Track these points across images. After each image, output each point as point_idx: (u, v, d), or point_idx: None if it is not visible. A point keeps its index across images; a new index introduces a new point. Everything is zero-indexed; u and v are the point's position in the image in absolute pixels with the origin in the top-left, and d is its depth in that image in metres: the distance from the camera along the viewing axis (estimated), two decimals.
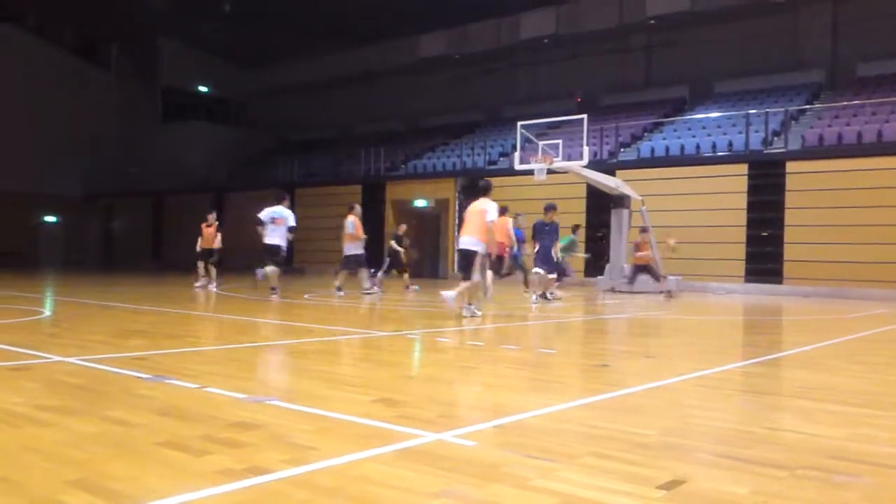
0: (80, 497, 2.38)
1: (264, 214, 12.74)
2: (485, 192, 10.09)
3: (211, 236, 16.14)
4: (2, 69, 32.79)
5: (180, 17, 34.55)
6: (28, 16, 36.02)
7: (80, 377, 4.68)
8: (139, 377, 4.64)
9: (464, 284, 9.60)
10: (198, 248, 16.11)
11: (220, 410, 3.76)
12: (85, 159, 36.53)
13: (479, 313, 9.82)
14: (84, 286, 16.33)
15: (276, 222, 12.73)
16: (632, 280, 16.74)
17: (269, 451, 2.99)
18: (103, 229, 39.22)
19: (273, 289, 12.65)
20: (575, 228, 16.95)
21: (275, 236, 12.72)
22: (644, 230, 16.53)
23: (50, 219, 37.72)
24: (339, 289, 14.07)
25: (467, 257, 9.78)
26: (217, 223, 16.38)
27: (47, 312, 9.65)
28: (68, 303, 11.49)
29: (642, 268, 16.27)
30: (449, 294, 9.59)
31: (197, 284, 15.42)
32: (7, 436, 3.18)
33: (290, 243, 13.40)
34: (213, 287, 15.16)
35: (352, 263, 14.38)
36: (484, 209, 9.69)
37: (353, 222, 14.13)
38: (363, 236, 14.35)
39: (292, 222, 13.03)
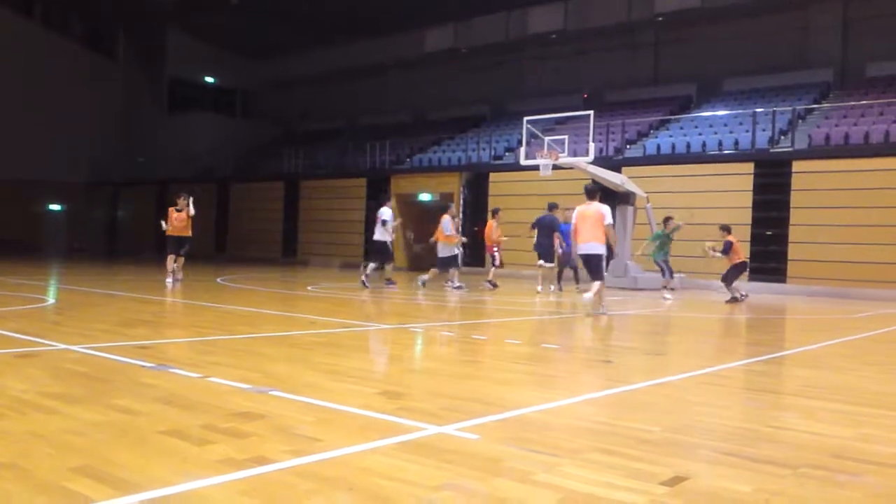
0: (85, 483, 2.39)
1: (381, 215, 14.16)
2: (595, 195, 10.33)
3: (182, 224, 13.95)
4: (8, 57, 32.80)
5: (188, 7, 34.50)
6: (35, 5, 36.00)
7: (84, 365, 4.70)
8: (143, 366, 4.65)
9: (596, 286, 9.85)
10: (167, 234, 14.01)
11: (223, 400, 3.77)
12: (91, 147, 36.57)
13: (609, 313, 10.14)
14: (88, 274, 16.36)
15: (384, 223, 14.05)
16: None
17: (273, 442, 2.99)
18: (108, 217, 39.28)
19: (389, 281, 14.01)
20: (666, 221, 15.64)
21: (382, 234, 14.01)
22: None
23: (54, 206, 37.79)
24: (423, 284, 14.11)
25: (592, 261, 10.00)
26: (189, 208, 14.06)
27: (51, 300, 9.67)
28: (72, 291, 11.52)
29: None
30: (588, 296, 9.94)
31: (169, 280, 13.24)
32: (13, 422, 3.19)
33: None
34: (170, 280, 13.21)
35: (446, 264, 14.30)
36: (602, 212, 9.95)
37: (449, 222, 14.10)
38: (459, 237, 14.49)
39: (384, 217, 14.13)
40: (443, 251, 14.21)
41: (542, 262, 14.25)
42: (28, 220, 35.38)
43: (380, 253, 14.20)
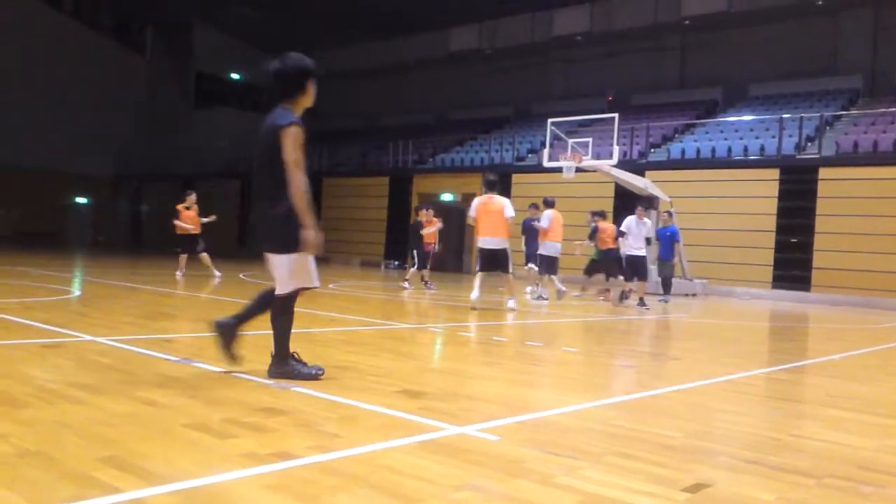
0: (112, 474, 2.42)
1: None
2: (495, 187, 10.30)
3: (192, 220, 13.96)
4: (38, 50, 33.27)
5: (215, 3, 34.79)
6: None
7: (110, 357, 4.76)
8: (167, 359, 4.71)
9: (509, 279, 10.19)
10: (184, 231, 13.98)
11: (246, 395, 3.80)
12: (117, 141, 36.98)
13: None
14: (113, 267, 16.55)
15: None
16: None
17: (295, 437, 3.02)
18: (132, 211, 39.70)
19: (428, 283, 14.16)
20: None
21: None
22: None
23: (80, 199, 38.26)
24: (541, 297, 13.05)
25: (499, 255, 10.07)
26: (196, 205, 14.14)
27: (77, 292, 9.80)
28: (98, 283, 11.66)
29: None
30: (512, 304, 10.24)
31: (179, 273, 13.38)
32: (42, 411, 3.25)
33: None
34: (216, 276, 13.47)
35: (545, 264, 12.88)
36: (503, 205, 9.94)
37: (550, 216, 12.72)
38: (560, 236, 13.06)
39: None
40: (546, 248, 12.96)
41: (531, 265, 13.58)
42: (54, 212, 35.86)
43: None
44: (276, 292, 4.30)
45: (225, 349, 4.30)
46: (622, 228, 12.09)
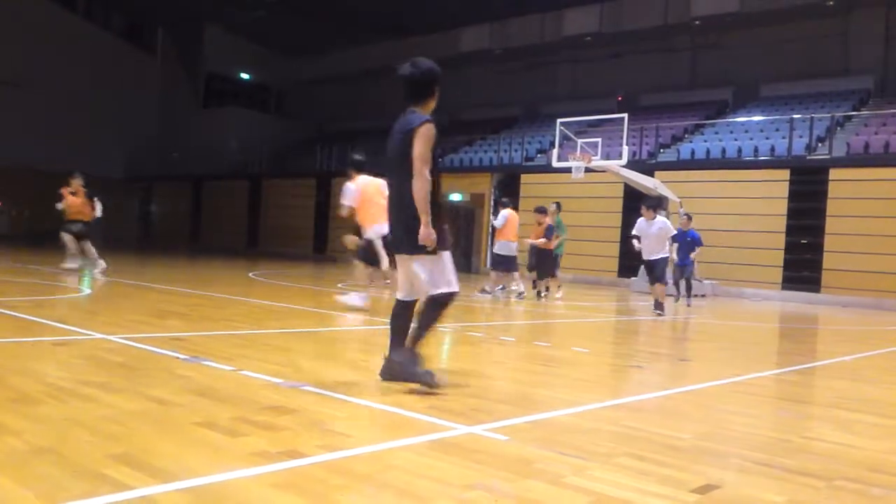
0: (123, 471, 2.43)
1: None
2: (363, 166, 9.06)
3: (80, 206, 13.12)
4: (50, 50, 33.46)
5: (225, 4, 34.92)
6: (78, 0, 36.69)
7: (120, 355, 4.78)
8: (177, 357, 4.73)
9: (385, 266, 8.97)
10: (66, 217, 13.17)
11: (255, 394, 3.81)
12: (127, 141, 37.17)
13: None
14: (123, 266, 16.62)
15: None
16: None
17: (304, 436, 3.03)
18: (142, 211, 39.87)
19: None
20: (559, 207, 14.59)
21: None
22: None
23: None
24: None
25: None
26: (85, 190, 13.25)
27: (87, 290, 9.85)
28: (107, 282, 11.71)
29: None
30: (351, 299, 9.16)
31: (66, 266, 12.68)
32: (53, 409, 3.27)
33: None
34: (99, 267, 12.46)
35: (501, 263, 12.95)
36: (381, 188, 8.56)
37: (506, 216, 12.91)
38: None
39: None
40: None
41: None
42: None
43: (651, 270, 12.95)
44: (431, 293, 4.19)
45: (414, 377, 4.12)
46: (634, 232, 11.47)
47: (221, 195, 35.05)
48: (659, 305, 10.98)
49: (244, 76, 40.43)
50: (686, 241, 13.91)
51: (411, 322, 4.30)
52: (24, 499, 2.17)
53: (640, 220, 11.01)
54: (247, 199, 33.54)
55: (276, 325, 7.14)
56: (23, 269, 13.14)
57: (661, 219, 11.09)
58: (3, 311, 6.57)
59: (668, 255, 11.19)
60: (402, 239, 4.25)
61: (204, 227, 35.81)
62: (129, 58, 38.00)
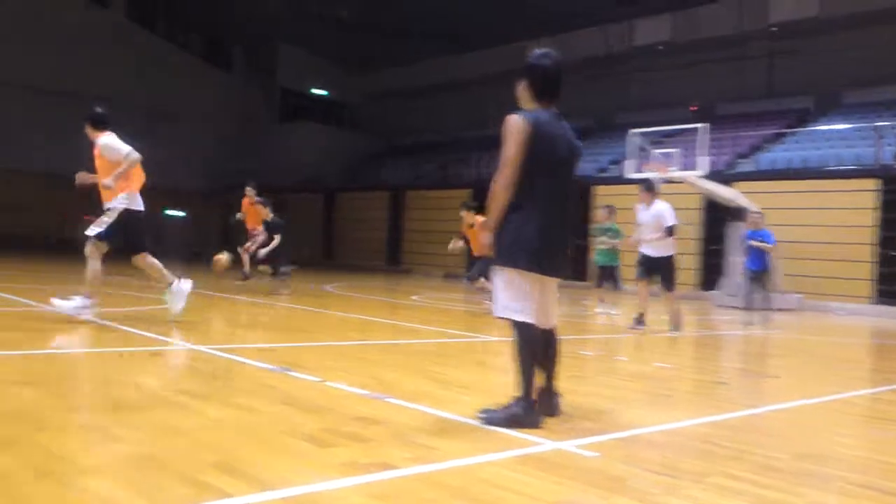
0: (221, 479, 2.50)
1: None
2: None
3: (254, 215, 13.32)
4: (135, 70, 34.99)
5: (299, 23, 35.87)
6: (159, 21, 38.43)
7: (210, 364, 4.93)
8: (264, 368, 4.84)
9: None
10: None
11: (342, 405, 3.87)
12: (207, 156, 38.46)
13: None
14: (206, 278, 17.13)
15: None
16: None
17: (392, 447, 3.05)
18: (223, 224, 41.11)
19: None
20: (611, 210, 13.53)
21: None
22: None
23: (176, 213, 39.86)
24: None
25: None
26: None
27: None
28: (192, 294, 12.08)
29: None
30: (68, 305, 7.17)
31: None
32: (152, 416, 3.39)
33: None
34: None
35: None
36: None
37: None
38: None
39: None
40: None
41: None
42: (153, 225, 37.45)
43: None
44: (494, 314, 3.86)
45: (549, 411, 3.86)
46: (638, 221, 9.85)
47: (298, 208, 35.84)
48: (640, 319, 9.46)
49: (318, 92, 41.37)
50: (756, 243, 12.17)
51: (543, 352, 3.90)
52: (132, 502, 2.25)
53: (639, 206, 9.69)
54: (322, 211, 34.19)
55: (356, 336, 7.25)
56: (112, 280, 13.68)
57: (662, 203, 9.47)
58: (107, 322, 6.85)
59: (673, 253, 9.51)
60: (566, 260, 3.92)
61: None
62: (208, 76, 39.42)
